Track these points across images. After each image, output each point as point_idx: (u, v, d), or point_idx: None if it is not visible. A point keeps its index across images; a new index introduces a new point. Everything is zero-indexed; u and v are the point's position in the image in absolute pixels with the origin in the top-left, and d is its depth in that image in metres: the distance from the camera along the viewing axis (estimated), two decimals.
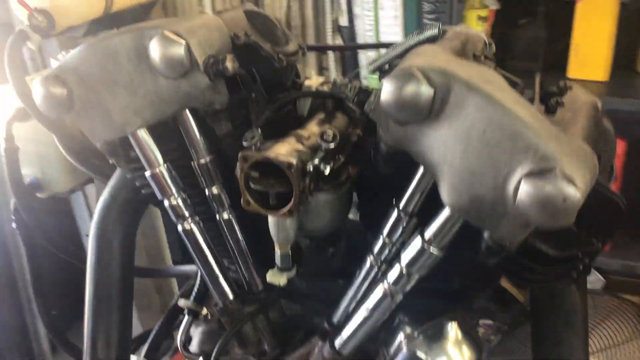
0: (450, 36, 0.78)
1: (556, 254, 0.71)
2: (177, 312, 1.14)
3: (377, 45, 2.08)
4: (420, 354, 0.74)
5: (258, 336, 0.89)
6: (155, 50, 0.74)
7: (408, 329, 0.77)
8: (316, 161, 0.71)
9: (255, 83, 0.82)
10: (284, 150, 0.71)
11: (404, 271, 0.73)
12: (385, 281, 0.75)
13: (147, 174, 0.82)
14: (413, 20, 2.01)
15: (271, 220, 0.76)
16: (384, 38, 2.06)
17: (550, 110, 0.72)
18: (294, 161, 0.69)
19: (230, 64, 0.75)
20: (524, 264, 0.71)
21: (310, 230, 0.81)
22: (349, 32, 2.11)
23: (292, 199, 0.70)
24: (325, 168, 0.72)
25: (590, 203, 0.69)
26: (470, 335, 0.78)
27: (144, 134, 0.81)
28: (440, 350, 0.75)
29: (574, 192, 0.56)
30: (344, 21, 2.10)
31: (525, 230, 0.62)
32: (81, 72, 0.77)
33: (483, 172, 0.61)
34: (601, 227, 0.72)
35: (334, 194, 0.78)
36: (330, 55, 2.14)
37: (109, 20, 1.02)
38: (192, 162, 0.83)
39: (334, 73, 2.16)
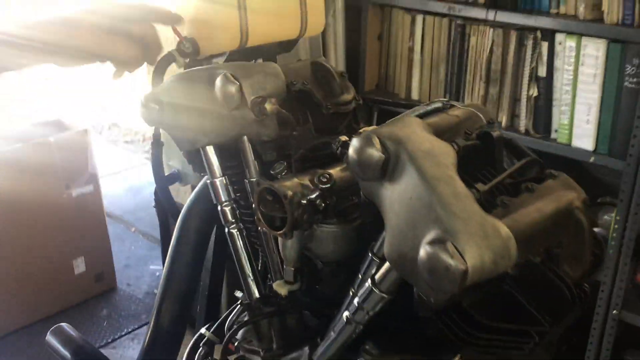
0: (451, 111, 0.83)
1: (490, 323, 0.73)
2: None
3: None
4: None
5: (271, 334, 1.02)
6: (218, 86, 0.92)
7: (367, 357, 0.84)
8: (313, 197, 0.82)
9: (299, 125, 0.95)
10: (289, 183, 0.83)
11: (359, 306, 0.81)
12: (347, 310, 0.83)
13: (208, 181, 1.00)
14: (613, 80, 1.91)
15: (279, 239, 0.89)
16: (580, 95, 1.99)
17: (517, 191, 0.75)
18: (289, 193, 0.81)
19: (268, 106, 0.90)
20: (463, 328, 0.75)
21: (318, 256, 0.91)
22: (546, 84, 2.07)
23: (287, 224, 0.82)
24: (321, 204, 0.82)
25: (539, 286, 0.71)
26: None
27: (210, 150, 0.99)
28: None
29: (457, 265, 0.61)
30: (542, 72, 2.07)
31: (439, 293, 0.67)
32: (171, 94, 0.98)
33: (407, 232, 0.68)
34: (550, 310, 0.73)
35: (338, 229, 0.87)
36: (523, 104, 2.12)
37: (246, 52, 1.22)
38: (244, 179, 0.99)
39: (524, 122, 2.14)
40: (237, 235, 1.02)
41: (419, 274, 0.65)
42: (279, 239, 0.90)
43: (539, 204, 0.72)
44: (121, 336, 2.77)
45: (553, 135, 2.11)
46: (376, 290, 0.79)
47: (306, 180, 0.84)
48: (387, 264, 0.76)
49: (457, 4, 2.19)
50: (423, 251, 0.64)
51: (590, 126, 1.99)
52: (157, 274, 3.24)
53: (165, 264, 1.19)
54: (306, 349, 0.94)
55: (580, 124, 2.02)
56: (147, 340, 1.25)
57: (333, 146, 0.84)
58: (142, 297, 3.02)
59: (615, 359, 2.28)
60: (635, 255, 2.12)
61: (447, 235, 0.63)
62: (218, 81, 0.92)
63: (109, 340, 2.74)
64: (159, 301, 1.20)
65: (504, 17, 2.08)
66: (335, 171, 0.88)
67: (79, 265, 2.90)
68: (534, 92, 2.09)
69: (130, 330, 2.79)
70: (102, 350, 2.67)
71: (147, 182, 4.18)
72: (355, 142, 0.73)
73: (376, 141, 0.71)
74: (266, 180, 0.84)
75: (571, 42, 1.96)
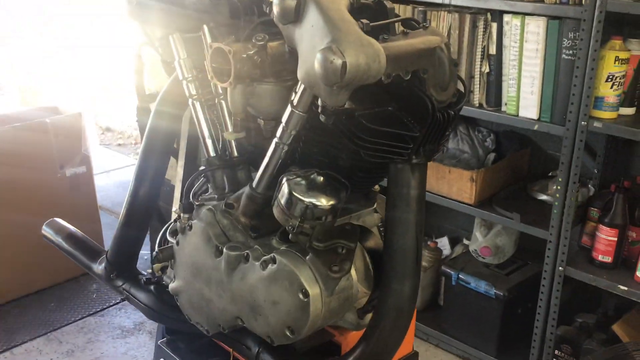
0: None
1: (375, 127, 0.97)
2: None
3: None
4: (295, 192, 1.01)
5: (224, 182, 1.22)
6: None
7: (290, 175, 1.04)
8: (251, 52, 1.03)
9: (247, 14, 1.16)
10: (234, 44, 1.05)
11: (284, 129, 1.04)
12: (275, 137, 1.06)
13: (176, 62, 1.22)
14: (552, 54, 2.14)
15: (229, 96, 1.10)
16: (525, 69, 2.22)
17: (410, 28, 1.02)
18: (233, 49, 1.03)
19: None
20: (355, 133, 0.98)
21: (259, 111, 1.12)
22: (496, 61, 2.30)
23: (232, 74, 1.03)
24: (258, 59, 1.03)
25: (409, 99, 0.94)
26: (333, 186, 1.04)
27: (177, 37, 1.21)
28: (307, 191, 1.01)
29: (337, 59, 0.86)
30: (493, 50, 2.30)
31: (332, 93, 0.89)
32: None
33: (309, 52, 0.92)
34: (418, 118, 0.97)
35: (274, 86, 1.08)
36: (477, 80, 2.35)
37: None
38: (204, 62, 1.18)
39: (477, 96, 2.36)
40: (198, 105, 1.23)
41: (316, 76, 0.87)
42: (228, 95, 1.10)
43: (409, 40, 0.97)
44: (109, 306, 2.94)
45: (503, 107, 2.33)
46: (295, 110, 1.01)
47: (248, 44, 1.06)
48: (300, 87, 0.98)
49: None
50: (316, 57, 0.87)
51: (534, 97, 2.22)
52: (145, 257, 3.42)
53: (141, 150, 1.39)
54: (248, 184, 1.15)
55: (525, 95, 2.24)
56: (123, 214, 1.45)
57: (264, 6, 1.05)
58: None
59: (568, 319, 2.47)
60: (580, 219, 2.34)
61: (333, 42, 0.86)
62: None
63: (98, 309, 2.91)
64: (134, 181, 1.40)
65: (459, 1, 2.32)
66: (272, 42, 1.07)
67: None
68: (486, 68, 2.32)
69: (118, 301, 2.96)
70: (91, 318, 2.87)
71: None
72: None
73: None
74: (218, 42, 1.06)
75: (516, 21, 2.20)
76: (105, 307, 2.94)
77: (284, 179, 1.02)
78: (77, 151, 3.02)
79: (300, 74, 0.93)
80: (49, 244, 1.66)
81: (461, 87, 1.04)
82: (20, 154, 2.82)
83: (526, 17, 2.18)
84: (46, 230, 1.63)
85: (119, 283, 1.47)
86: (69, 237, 1.62)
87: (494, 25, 2.27)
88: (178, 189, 1.39)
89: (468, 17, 2.32)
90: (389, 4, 1.05)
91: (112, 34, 4.61)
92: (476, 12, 2.31)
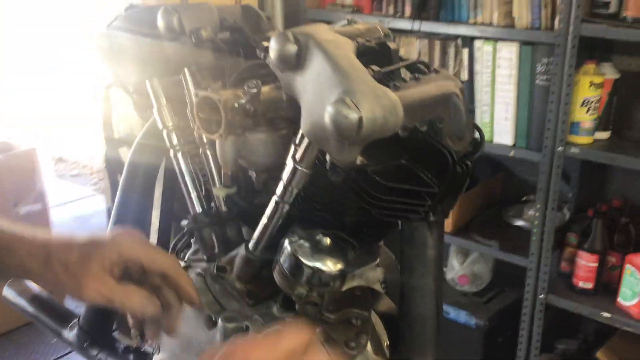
0: (355, 25, 0.98)
1: (387, 183, 0.87)
2: None
3: None
4: (299, 256, 0.90)
5: (213, 241, 1.11)
6: (160, 18, 1.04)
7: (293, 236, 0.93)
8: (243, 101, 0.92)
9: (231, 55, 1.06)
10: (223, 92, 0.93)
11: (285, 187, 0.92)
12: (275, 195, 0.94)
13: (154, 109, 1.11)
14: (526, 79, 2.11)
15: (217, 147, 1.00)
16: (498, 95, 2.18)
17: (416, 74, 0.91)
18: (223, 98, 0.91)
19: (204, 32, 1.02)
20: (368, 192, 0.88)
21: (251, 162, 1.01)
22: (468, 86, 2.26)
23: (222, 125, 0.92)
24: (250, 108, 0.92)
25: (425, 151, 0.85)
26: (339, 248, 0.93)
27: (155, 82, 1.10)
28: (312, 255, 0.90)
29: (353, 113, 0.75)
30: (464, 76, 2.25)
31: (344, 149, 0.79)
32: (117, 33, 1.10)
33: (316, 104, 0.81)
34: (436, 172, 0.88)
35: (267, 135, 0.98)
36: None
37: None
38: (186, 108, 1.07)
39: None
40: (181, 157, 1.12)
41: (326, 131, 0.77)
42: (217, 147, 1.00)
43: (423, 87, 0.88)
44: (70, 352, 2.78)
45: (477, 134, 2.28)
46: (298, 167, 0.89)
47: (238, 91, 0.95)
48: (304, 141, 0.88)
49: (386, 17, 2.38)
50: (327, 110, 0.77)
51: (508, 123, 2.18)
52: None
53: (117, 196, 1.26)
54: (242, 245, 1.02)
55: (499, 121, 2.20)
56: None
57: (258, 52, 0.95)
58: None
59: (548, 346, 2.43)
60: (558, 245, 2.30)
61: (346, 94, 0.76)
62: (160, 14, 1.03)
63: (58, 356, 2.75)
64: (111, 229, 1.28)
65: (428, 27, 2.27)
66: (264, 87, 0.97)
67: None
68: None
69: None
70: None
71: (94, 212, 4.21)
72: (273, 40, 0.86)
73: (290, 36, 0.84)
74: (203, 90, 0.95)
75: (488, 47, 2.16)
76: (66, 353, 2.78)
77: (286, 241, 0.92)
78: (31, 188, 2.87)
79: (305, 127, 0.83)
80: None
81: (477, 135, 0.95)
82: None
83: (498, 42, 2.14)
84: (7, 292, 1.49)
85: (94, 352, 1.34)
86: (34, 299, 1.47)
87: (465, 52, 2.23)
88: (154, 242, 1.27)
89: (438, 43, 2.28)
90: (392, 45, 0.96)
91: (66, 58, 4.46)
92: (445, 38, 2.27)
